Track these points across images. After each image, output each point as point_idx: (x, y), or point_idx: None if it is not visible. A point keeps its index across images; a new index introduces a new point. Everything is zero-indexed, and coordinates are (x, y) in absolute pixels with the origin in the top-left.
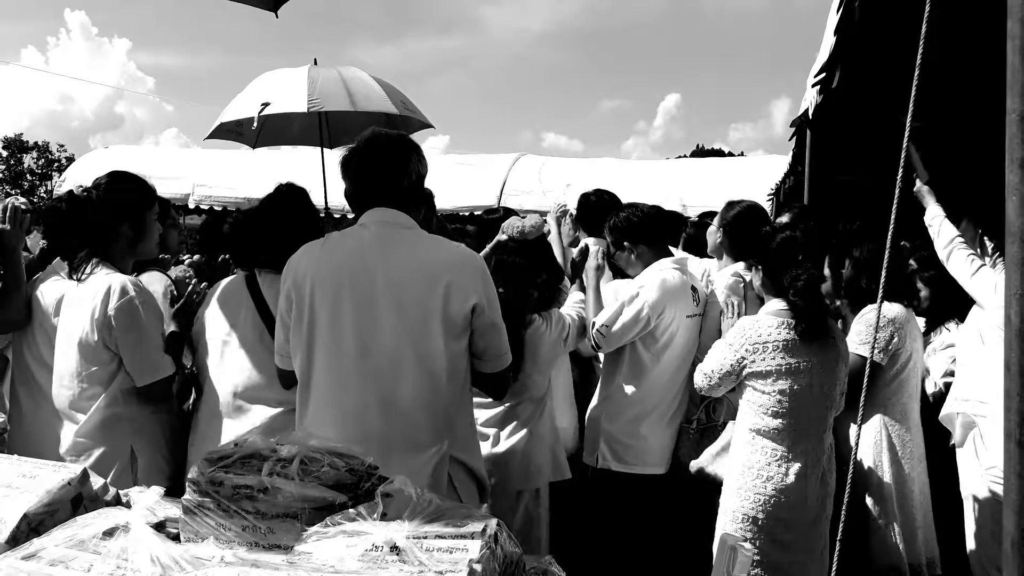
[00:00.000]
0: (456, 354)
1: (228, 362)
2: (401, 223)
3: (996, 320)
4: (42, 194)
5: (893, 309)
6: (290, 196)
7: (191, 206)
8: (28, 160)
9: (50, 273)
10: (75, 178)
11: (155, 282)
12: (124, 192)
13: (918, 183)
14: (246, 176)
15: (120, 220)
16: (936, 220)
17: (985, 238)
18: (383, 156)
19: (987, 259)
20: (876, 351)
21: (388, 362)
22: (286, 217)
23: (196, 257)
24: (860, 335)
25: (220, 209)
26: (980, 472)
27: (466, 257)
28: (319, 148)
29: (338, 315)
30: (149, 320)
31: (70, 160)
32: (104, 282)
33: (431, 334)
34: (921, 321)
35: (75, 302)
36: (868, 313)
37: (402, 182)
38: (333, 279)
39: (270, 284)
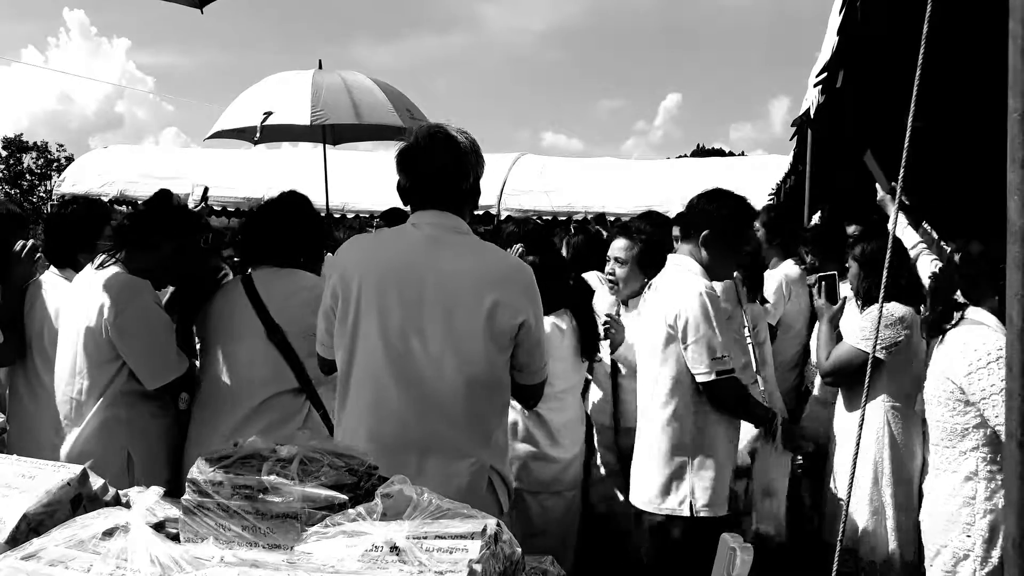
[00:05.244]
0: (499, 366)
1: (224, 358)
2: (454, 227)
3: None
4: (41, 194)
5: (901, 309)
6: (290, 202)
7: (191, 206)
8: (27, 160)
9: (51, 275)
10: (74, 178)
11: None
12: (189, 226)
13: (880, 191)
14: (246, 176)
15: (168, 239)
16: (900, 226)
17: (943, 242)
18: (443, 157)
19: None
20: (879, 348)
21: (431, 366)
22: (285, 222)
23: None
24: (864, 331)
25: (220, 209)
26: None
27: (514, 272)
28: (320, 148)
29: (384, 316)
30: (158, 322)
31: (69, 160)
32: (118, 280)
33: (476, 344)
34: None
35: (84, 296)
36: (875, 311)
37: (461, 185)
38: (382, 279)
39: (266, 280)
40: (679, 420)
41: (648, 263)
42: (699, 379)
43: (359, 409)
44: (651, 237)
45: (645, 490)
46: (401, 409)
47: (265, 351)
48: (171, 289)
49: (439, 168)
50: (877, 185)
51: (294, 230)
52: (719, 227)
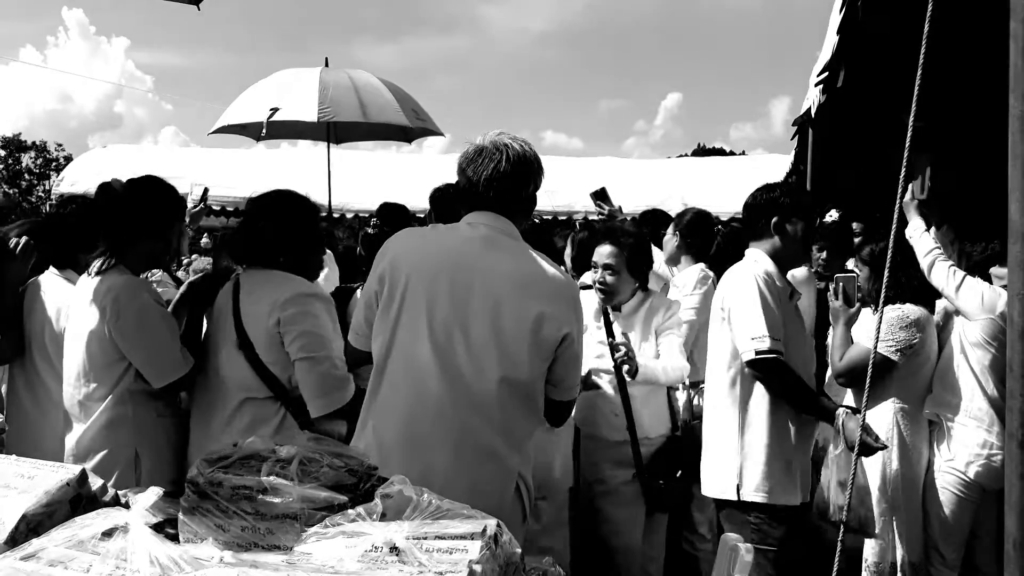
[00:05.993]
0: (537, 375)
1: (212, 359)
2: (508, 232)
3: (978, 330)
4: (40, 193)
5: (915, 311)
6: (270, 199)
7: (189, 205)
8: (26, 159)
9: (51, 275)
10: (73, 178)
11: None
12: (158, 198)
13: (907, 196)
14: (245, 176)
15: (148, 225)
16: (917, 232)
17: (966, 243)
18: (508, 163)
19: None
20: (894, 350)
21: (471, 363)
22: (262, 220)
23: (193, 257)
24: (880, 332)
25: (219, 208)
26: (939, 463)
27: (563, 284)
28: (319, 147)
29: (432, 308)
30: (159, 321)
31: (68, 159)
32: (116, 282)
33: (518, 348)
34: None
35: (86, 301)
36: (890, 313)
37: (521, 193)
38: (432, 271)
39: (248, 282)
40: (726, 401)
41: (638, 267)
42: (742, 357)
43: (395, 400)
44: (637, 240)
45: (704, 475)
46: (439, 402)
47: (236, 356)
48: (181, 289)
49: (503, 173)
50: (912, 187)
51: (270, 229)
52: (786, 210)
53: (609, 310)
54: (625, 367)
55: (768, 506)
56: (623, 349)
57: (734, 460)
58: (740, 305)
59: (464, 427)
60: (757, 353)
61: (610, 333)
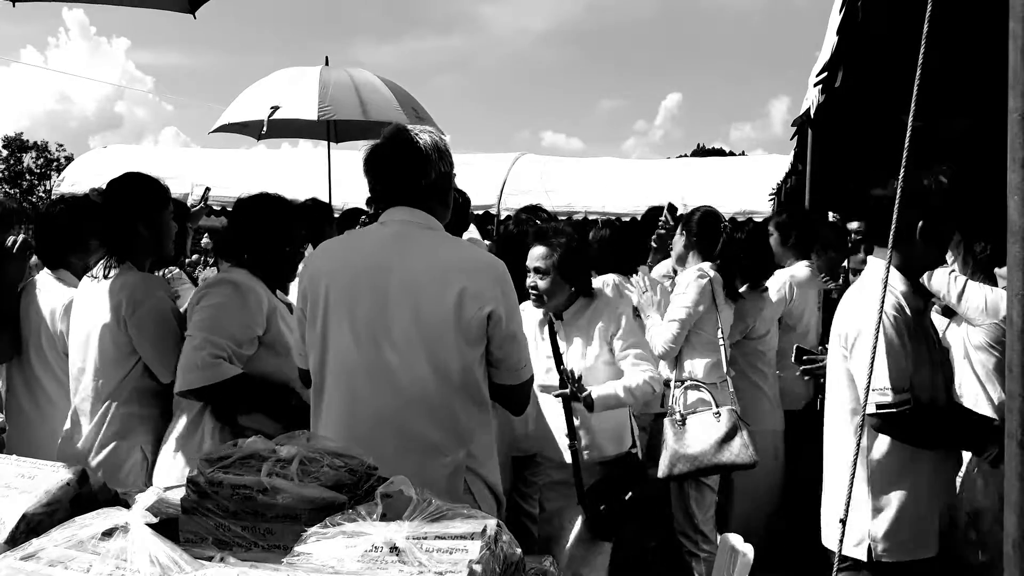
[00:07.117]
0: (470, 361)
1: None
2: (421, 223)
3: (981, 335)
4: (41, 193)
5: None
6: (244, 200)
7: (189, 204)
8: (27, 159)
9: (47, 276)
10: (74, 178)
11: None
12: (140, 191)
13: None
14: (246, 176)
15: (137, 219)
16: None
17: (975, 244)
18: (403, 154)
19: (968, 270)
20: None
21: (401, 362)
22: (231, 220)
23: (194, 256)
24: None
25: (220, 209)
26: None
27: (483, 262)
28: (319, 149)
29: (353, 315)
30: (172, 319)
31: (69, 160)
32: (131, 279)
33: (445, 338)
34: None
35: (95, 301)
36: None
37: (420, 182)
38: (349, 278)
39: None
40: (848, 448)
41: (571, 271)
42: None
43: (334, 413)
44: (570, 242)
45: (825, 527)
46: (376, 408)
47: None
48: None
49: (395, 166)
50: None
51: (236, 228)
52: (937, 212)
53: (553, 320)
54: (579, 401)
55: (906, 563)
56: (574, 382)
57: (863, 514)
58: (862, 348)
59: (403, 427)
60: (879, 407)
61: (555, 346)
